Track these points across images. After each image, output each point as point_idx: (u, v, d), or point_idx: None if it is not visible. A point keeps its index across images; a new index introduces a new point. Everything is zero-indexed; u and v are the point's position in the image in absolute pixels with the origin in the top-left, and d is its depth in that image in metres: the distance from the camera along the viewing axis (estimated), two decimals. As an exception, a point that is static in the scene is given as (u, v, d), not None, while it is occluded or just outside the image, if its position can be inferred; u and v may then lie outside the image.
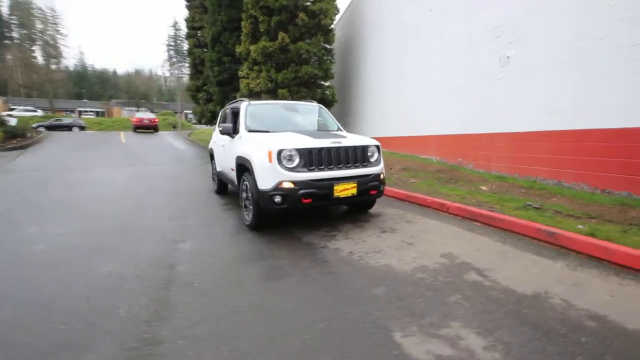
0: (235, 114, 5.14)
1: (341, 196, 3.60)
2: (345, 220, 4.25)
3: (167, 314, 2.12)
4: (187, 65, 69.97)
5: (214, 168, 6.24)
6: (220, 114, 6.31)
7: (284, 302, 2.26)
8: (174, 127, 28.59)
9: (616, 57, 4.40)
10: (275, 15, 12.54)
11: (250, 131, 4.27)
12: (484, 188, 5.78)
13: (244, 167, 3.99)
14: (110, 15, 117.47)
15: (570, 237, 3.12)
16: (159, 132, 22.93)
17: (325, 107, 13.18)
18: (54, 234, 3.75)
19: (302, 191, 3.41)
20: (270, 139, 3.75)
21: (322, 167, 3.57)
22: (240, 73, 13.35)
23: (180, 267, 2.88)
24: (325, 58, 13.15)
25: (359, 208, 4.61)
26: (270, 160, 3.46)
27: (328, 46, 13.33)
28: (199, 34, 19.49)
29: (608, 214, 3.90)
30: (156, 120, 22.32)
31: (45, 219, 4.39)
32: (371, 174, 3.83)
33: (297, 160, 3.49)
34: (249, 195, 3.80)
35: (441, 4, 8.08)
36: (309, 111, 5.04)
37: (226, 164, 5.02)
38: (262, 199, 3.53)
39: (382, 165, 4.02)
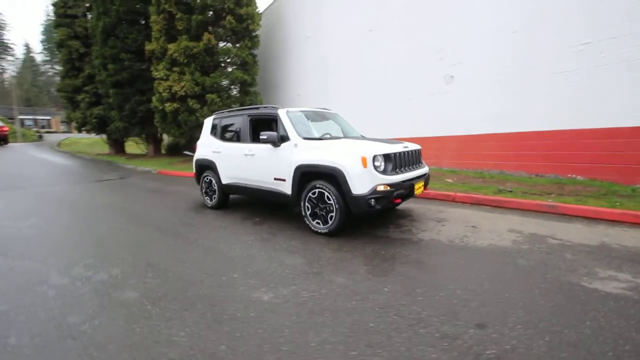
0: (260, 122, 4.93)
1: (417, 193, 4.07)
2: (392, 217, 4.69)
3: (427, 315, 2.20)
4: (10, 58, 54.38)
5: (211, 181, 5.60)
6: (211, 122, 5.72)
7: (481, 284, 2.61)
8: (40, 137, 22.16)
9: (542, 80, 6.32)
10: (196, 13, 11.67)
11: (305, 139, 4.23)
12: (449, 180, 7.13)
13: (315, 174, 3.97)
14: None
15: (566, 207, 4.48)
16: (10, 144, 17.30)
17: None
18: (115, 284, 2.89)
19: (396, 192, 3.72)
20: (350, 146, 3.90)
21: (402, 169, 3.96)
22: (155, 74, 11.75)
23: (337, 278, 2.80)
24: (252, 64, 12.93)
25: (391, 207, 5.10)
26: (365, 166, 3.63)
27: (254, 52, 13.14)
28: (74, 24, 15.80)
29: (555, 190, 5.62)
30: (6, 128, 16.82)
31: (43, 265, 3.23)
32: (426, 173, 4.44)
33: (383, 165, 3.77)
34: (331, 201, 3.80)
35: (381, 25, 9.33)
36: (334, 118, 5.24)
37: (256, 174, 4.72)
38: (355, 203, 3.65)
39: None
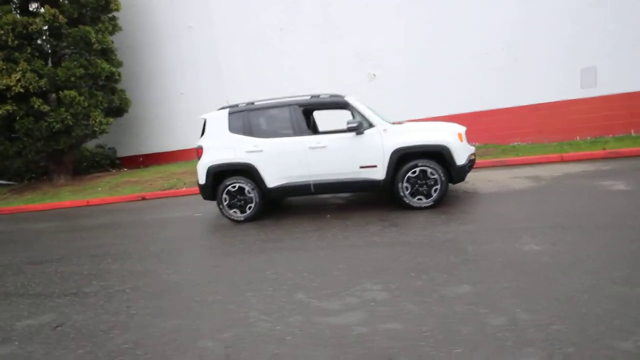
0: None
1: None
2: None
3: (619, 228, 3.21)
4: None
5: (242, 189, 4.57)
6: (227, 117, 4.67)
7: (578, 207, 3.90)
8: None
9: (443, 79, 8.65)
10: (23, -26, 8.14)
11: (392, 123, 4.44)
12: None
13: (413, 155, 4.26)
14: None
15: (509, 160, 6.69)
16: None
17: (118, 115, 10.64)
18: None
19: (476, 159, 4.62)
20: (439, 126, 4.51)
21: (464, 142, 4.89)
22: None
23: (528, 224, 3.43)
24: (113, 53, 10.20)
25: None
26: (461, 140, 4.32)
27: (112, 39, 10.31)
28: None
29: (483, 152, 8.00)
30: None
31: None
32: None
33: (466, 138, 4.58)
34: (435, 176, 4.22)
35: (292, 25, 9.63)
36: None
37: (332, 167, 4.41)
38: (458, 172, 4.27)
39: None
